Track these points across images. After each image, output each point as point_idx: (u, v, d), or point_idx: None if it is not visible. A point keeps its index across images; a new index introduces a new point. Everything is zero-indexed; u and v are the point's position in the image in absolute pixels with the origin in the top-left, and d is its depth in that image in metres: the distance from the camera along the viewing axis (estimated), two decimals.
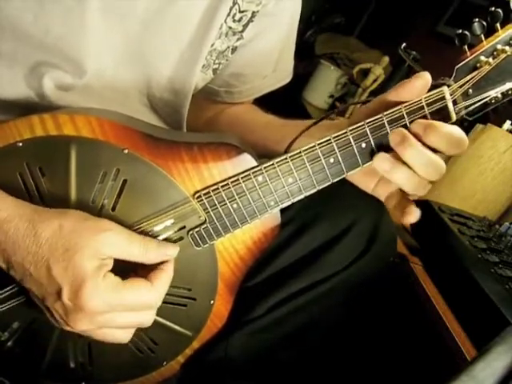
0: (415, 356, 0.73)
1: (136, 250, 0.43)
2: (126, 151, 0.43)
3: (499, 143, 0.99)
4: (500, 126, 1.00)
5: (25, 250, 0.39)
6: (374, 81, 1.58)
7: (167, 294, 0.45)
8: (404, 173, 0.43)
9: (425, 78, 0.42)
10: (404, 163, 0.43)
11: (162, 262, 0.44)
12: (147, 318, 0.44)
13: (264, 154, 0.52)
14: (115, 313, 0.41)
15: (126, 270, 0.43)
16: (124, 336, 0.44)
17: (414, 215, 0.46)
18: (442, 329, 0.64)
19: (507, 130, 1.00)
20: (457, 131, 0.41)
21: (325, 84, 1.69)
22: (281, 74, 0.71)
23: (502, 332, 0.42)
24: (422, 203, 0.89)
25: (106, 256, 0.41)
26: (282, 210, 0.48)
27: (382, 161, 0.43)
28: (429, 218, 0.85)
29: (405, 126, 0.43)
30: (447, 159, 0.95)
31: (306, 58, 1.73)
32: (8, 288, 0.45)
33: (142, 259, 0.43)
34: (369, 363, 0.77)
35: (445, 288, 0.71)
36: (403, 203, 0.47)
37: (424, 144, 0.42)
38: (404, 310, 0.77)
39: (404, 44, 0.49)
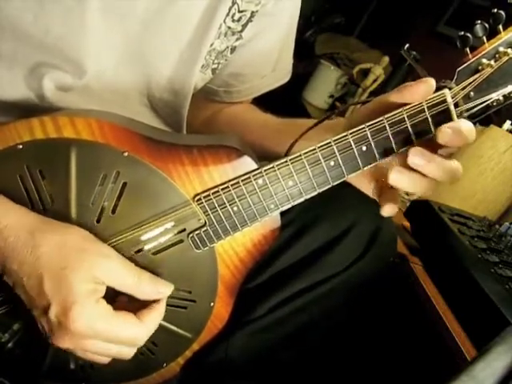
0: (415, 356, 0.73)
1: (130, 280, 0.42)
2: (126, 154, 0.43)
3: (499, 143, 0.99)
4: (500, 126, 1.00)
5: (22, 259, 0.39)
6: (374, 81, 1.58)
7: (167, 297, 0.45)
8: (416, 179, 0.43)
9: (429, 85, 0.41)
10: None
11: (155, 301, 0.44)
12: (128, 352, 0.44)
13: (263, 154, 0.52)
14: (98, 340, 0.41)
15: (117, 300, 0.43)
16: (102, 361, 0.44)
17: (393, 210, 0.46)
18: (442, 329, 0.64)
19: (507, 130, 1.00)
20: (471, 126, 0.41)
21: (325, 84, 1.69)
22: (280, 73, 0.71)
23: (502, 332, 0.42)
24: (422, 203, 0.89)
25: (101, 281, 0.40)
26: (283, 212, 0.48)
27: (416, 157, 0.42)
28: (429, 217, 0.85)
29: (406, 129, 0.42)
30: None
31: (306, 57, 1.73)
32: (8, 290, 0.44)
33: (135, 292, 0.43)
34: (369, 363, 0.77)
35: (445, 288, 0.71)
36: (389, 194, 0.47)
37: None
38: (404, 309, 0.77)
39: (407, 45, 0.48)
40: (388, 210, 0.46)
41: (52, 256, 0.39)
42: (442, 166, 0.41)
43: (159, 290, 0.45)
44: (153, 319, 0.43)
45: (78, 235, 0.41)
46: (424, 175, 0.42)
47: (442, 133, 0.41)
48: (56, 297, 0.38)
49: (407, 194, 1.09)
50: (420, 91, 0.41)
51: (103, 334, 0.40)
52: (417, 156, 0.41)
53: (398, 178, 0.42)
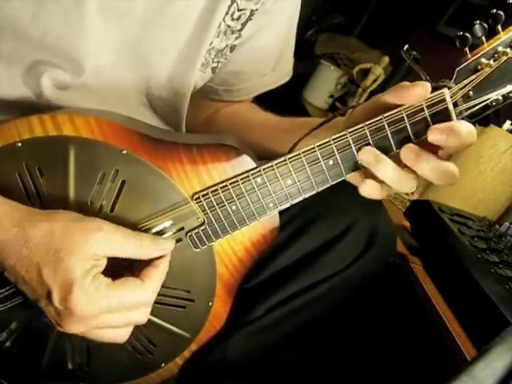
0: (415, 356, 0.73)
1: (131, 245, 0.42)
2: (125, 152, 0.43)
3: (499, 143, 0.99)
4: (500, 126, 1.00)
5: (17, 253, 0.39)
6: (374, 81, 1.58)
7: (165, 296, 0.45)
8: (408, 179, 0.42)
9: (425, 88, 0.41)
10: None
11: (157, 258, 0.44)
12: (141, 316, 0.43)
13: (263, 153, 0.52)
14: (107, 314, 0.41)
15: (118, 269, 0.43)
16: (120, 335, 0.44)
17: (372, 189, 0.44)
18: (442, 329, 0.64)
19: (507, 130, 1.00)
20: (471, 128, 0.41)
21: (325, 84, 1.69)
22: (280, 72, 0.71)
23: (502, 332, 0.42)
24: (422, 203, 0.89)
25: (99, 256, 0.40)
26: (281, 211, 0.48)
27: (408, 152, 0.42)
28: (429, 218, 0.85)
29: (405, 128, 0.42)
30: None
31: (306, 57, 1.73)
32: (6, 288, 0.44)
33: (138, 254, 0.43)
34: (369, 363, 0.77)
35: (445, 288, 0.71)
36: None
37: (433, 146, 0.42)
38: (404, 309, 0.77)
39: (407, 46, 0.48)
40: (366, 188, 0.44)
41: (45, 243, 0.39)
42: (434, 166, 0.41)
43: (162, 246, 0.44)
44: (154, 277, 0.43)
45: (66, 217, 0.40)
46: (414, 174, 0.42)
47: (431, 131, 0.41)
48: (55, 282, 0.38)
49: (407, 194, 1.09)
50: (415, 94, 0.41)
51: (109, 307, 0.40)
52: (409, 152, 0.42)
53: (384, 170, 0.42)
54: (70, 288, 0.38)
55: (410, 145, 0.42)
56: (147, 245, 0.43)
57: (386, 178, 0.42)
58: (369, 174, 0.44)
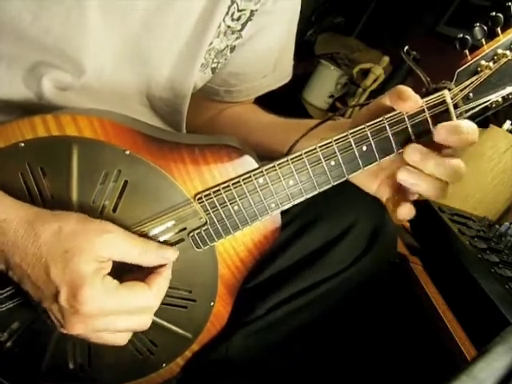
0: (415, 356, 0.73)
1: (136, 251, 0.42)
2: (128, 152, 0.43)
3: (499, 143, 0.99)
4: (500, 126, 1.00)
5: (24, 251, 0.39)
6: (374, 81, 1.58)
7: (167, 296, 0.45)
8: (427, 181, 0.43)
9: (414, 101, 0.42)
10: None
11: (160, 266, 0.44)
12: (144, 321, 0.44)
13: (265, 155, 0.52)
14: (112, 317, 0.41)
15: (123, 273, 0.43)
16: (120, 339, 0.44)
17: (409, 212, 0.46)
18: (442, 329, 0.64)
19: (507, 130, 1.00)
20: (473, 126, 0.41)
21: (325, 84, 1.69)
22: (280, 73, 0.71)
23: (502, 332, 0.43)
24: (422, 203, 0.89)
25: (105, 258, 0.41)
26: (283, 212, 0.48)
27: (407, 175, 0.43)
28: (429, 217, 0.85)
29: (406, 129, 0.43)
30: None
31: (306, 58, 1.73)
32: (7, 288, 0.45)
33: (141, 261, 0.43)
34: (369, 363, 0.77)
35: (445, 288, 0.71)
36: (399, 199, 0.47)
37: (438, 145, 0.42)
38: (404, 309, 0.77)
39: (407, 46, 0.49)
40: (403, 212, 0.46)
41: (53, 243, 0.39)
42: (439, 163, 0.42)
43: (166, 255, 0.45)
44: (160, 284, 0.43)
45: (75, 218, 0.41)
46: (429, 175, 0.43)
47: (438, 130, 0.41)
48: (64, 282, 0.39)
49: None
50: (405, 105, 0.42)
51: (114, 309, 0.40)
52: (413, 152, 0.42)
53: (407, 177, 0.43)
54: (80, 286, 0.38)
55: (414, 144, 0.42)
56: (152, 252, 0.43)
57: (438, 174, 0.42)
58: (395, 188, 0.45)
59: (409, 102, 0.42)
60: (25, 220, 0.40)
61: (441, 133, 0.41)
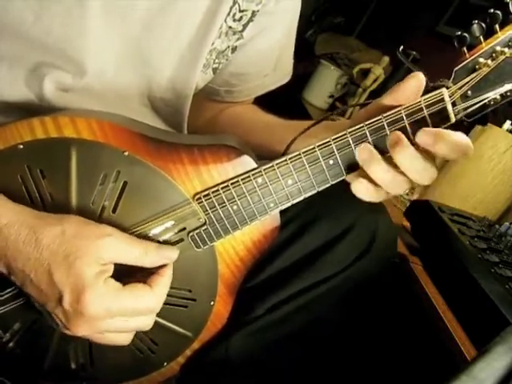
0: (415, 356, 0.73)
1: (136, 252, 0.43)
2: (127, 153, 0.43)
3: (499, 143, 0.99)
4: (500, 126, 1.00)
5: (26, 255, 0.39)
6: (374, 81, 1.58)
7: (168, 296, 0.45)
8: (386, 172, 0.43)
9: (418, 78, 0.42)
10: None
11: (161, 267, 0.44)
12: (147, 322, 0.44)
13: (264, 155, 0.52)
14: (115, 318, 0.41)
15: (125, 275, 0.43)
16: (123, 339, 0.45)
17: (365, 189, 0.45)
18: (442, 329, 0.64)
19: (507, 130, 1.00)
20: (464, 139, 0.41)
21: (325, 84, 1.69)
22: (281, 73, 0.71)
23: (502, 332, 0.42)
24: (422, 203, 0.89)
25: (107, 261, 0.41)
26: (282, 211, 0.48)
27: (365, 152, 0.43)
28: (429, 217, 0.85)
29: (404, 128, 0.43)
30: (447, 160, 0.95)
31: (306, 57, 1.73)
32: (10, 289, 0.45)
33: (142, 262, 0.43)
34: (369, 363, 0.77)
35: (445, 288, 0.71)
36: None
37: (424, 151, 0.42)
38: (404, 309, 0.77)
39: (401, 47, 0.49)
40: (358, 187, 0.44)
41: (55, 247, 0.39)
42: (415, 159, 0.41)
43: (166, 255, 0.45)
44: (161, 285, 0.44)
45: (76, 222, 0.41)
46: (405, 176, 0.42)
47: (419, 133, 0.41)
48: (67, 285, 0.39)
49: (407, 193, 1.09)
50: (410, 88, 0.42)
51: (118, 311, 0.41)
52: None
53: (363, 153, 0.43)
54: (83, 290, 0.39)
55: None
56: (152, 253, 0.44)
57: (378, 178, 0.43)
58: (365, 175, 0.44)
59: (411, 80, 0.42)
60: (26, 225, 0.40)
61: (421, 136, 0.41)
